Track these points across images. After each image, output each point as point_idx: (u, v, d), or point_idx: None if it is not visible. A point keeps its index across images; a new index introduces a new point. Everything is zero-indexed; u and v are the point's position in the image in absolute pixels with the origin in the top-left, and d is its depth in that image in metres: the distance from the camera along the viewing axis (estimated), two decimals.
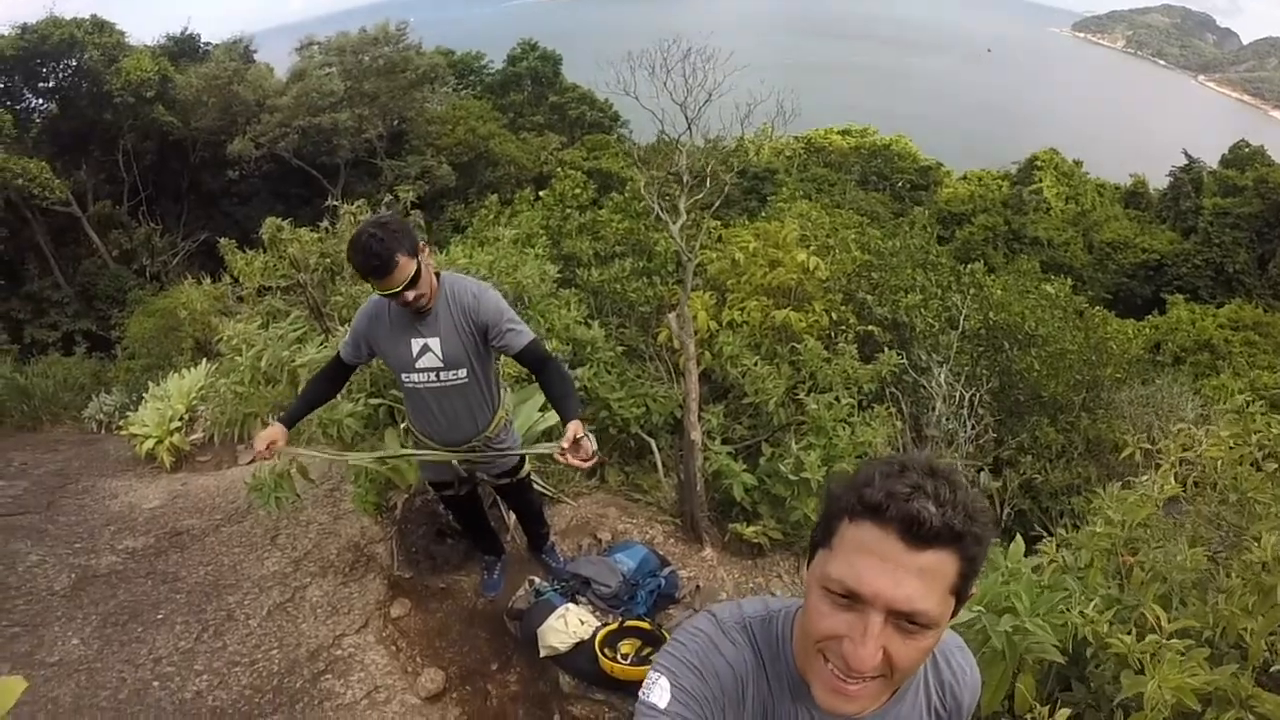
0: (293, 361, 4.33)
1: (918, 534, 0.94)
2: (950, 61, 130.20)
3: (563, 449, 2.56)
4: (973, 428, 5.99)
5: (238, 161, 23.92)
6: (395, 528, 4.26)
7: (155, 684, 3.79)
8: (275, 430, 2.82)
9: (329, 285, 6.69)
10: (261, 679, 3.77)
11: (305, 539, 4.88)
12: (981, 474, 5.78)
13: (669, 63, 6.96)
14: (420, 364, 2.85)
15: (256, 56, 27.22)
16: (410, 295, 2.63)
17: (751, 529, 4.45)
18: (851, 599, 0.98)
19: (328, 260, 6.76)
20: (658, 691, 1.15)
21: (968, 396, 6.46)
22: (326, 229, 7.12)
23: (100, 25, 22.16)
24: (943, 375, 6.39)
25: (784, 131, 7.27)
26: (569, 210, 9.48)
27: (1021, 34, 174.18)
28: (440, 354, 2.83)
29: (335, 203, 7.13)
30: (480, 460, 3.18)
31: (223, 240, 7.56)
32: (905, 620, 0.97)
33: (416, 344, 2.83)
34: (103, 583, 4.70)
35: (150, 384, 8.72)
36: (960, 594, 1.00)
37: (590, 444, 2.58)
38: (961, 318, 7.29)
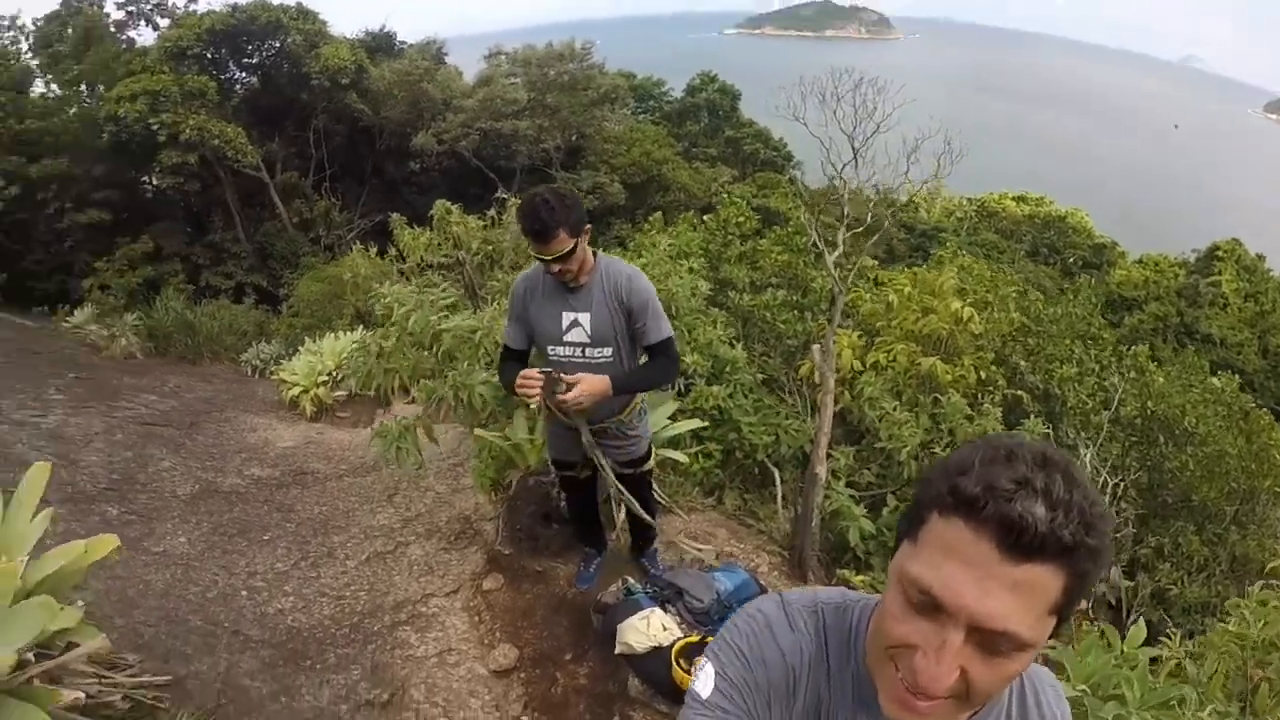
0: (439, 326, 4.47)
1: (1018, 542, 0.76)
2: (1134, 134, 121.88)
3: (569, 384, 2.65)
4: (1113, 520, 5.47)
5: (420, 154, 25.38)
6: (506, 504, 4.29)
7: (244, 593, 4.01)
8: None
9: (487, 270, 6.96)
10: (343, 614, 3.90)
11: (420, 502, 5.03)
12: (1113, 571, 5.26)
13: (839, 91, 6.86)
14: (568, 337, 2.87)
15: (447, 59, 28.97)
16: (557, 268, 2.69)
17: (860, 578, 4.18)
18: (931, 606, 0.81)
19: (489, 247, 7.05)
20: (703, 679, 1.04)
21: (1112, 484, 5.96)
22: (493, 218, 7.44)
23: (304, 13, 24.23)
24: (1089, 457, 5.93)
25: (950, 170, 6.96)
26: (730, 236, 9.47)
27: (1212, 111, 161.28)
28: (589, 329, 2.84)
29: (504, 195, 7.46)
30: (610, 444, 3.17)
31: (394, 215, 8.03)
32: (991, 640, 0.79)
33: (567, 317, 2.86)
34: (222, 499, 5.03)
35: (307, 339, 9.36)
36: (1062, 614, 0.82)
37: (574, 396, 2.67)
38: (1117, 400, 6.79)
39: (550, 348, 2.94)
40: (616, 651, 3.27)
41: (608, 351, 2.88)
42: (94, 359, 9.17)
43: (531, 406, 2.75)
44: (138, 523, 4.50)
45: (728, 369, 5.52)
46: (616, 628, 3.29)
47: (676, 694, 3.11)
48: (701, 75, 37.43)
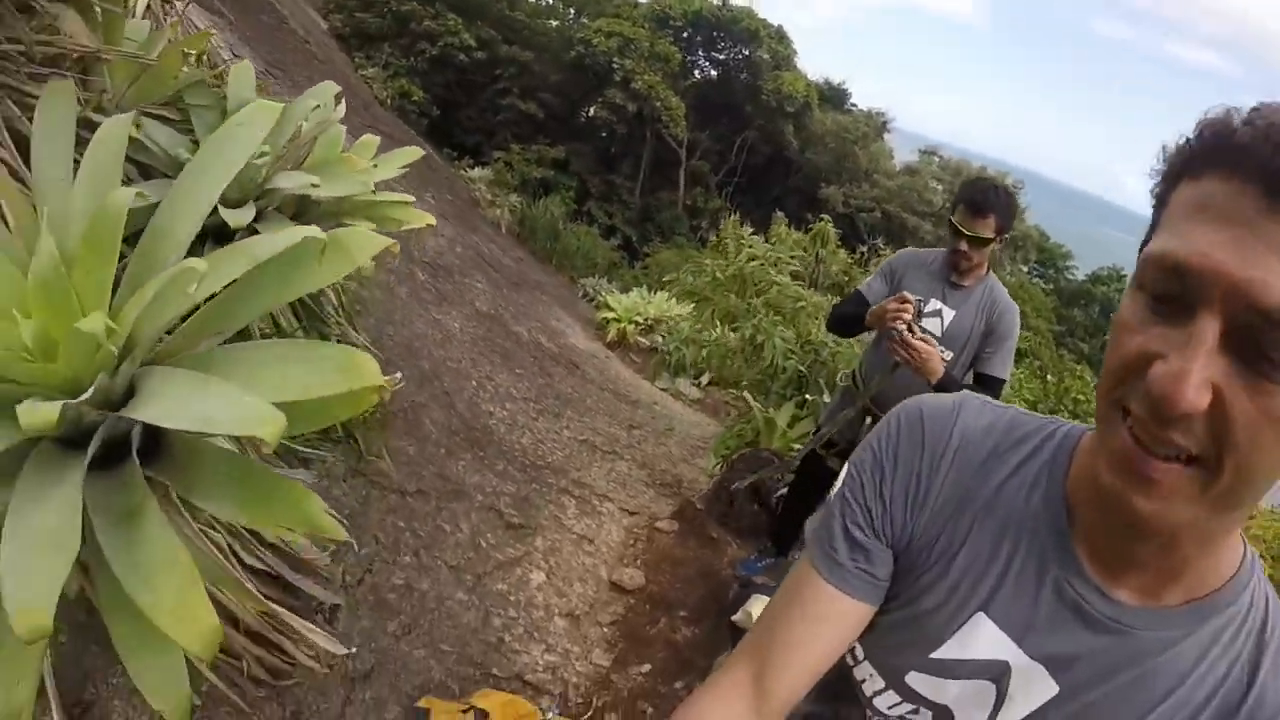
0: (770, 288, 4.51)
1: None
2: None
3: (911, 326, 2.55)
4: None
5: (823, 204, 26.22)
6: (727, 467, 4.15)
7: (473, 383, 4.39)
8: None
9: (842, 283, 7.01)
10: (534, 452, 4.13)
11: (652, 446, 5.08)
12: None
13: None
14: (924, 322, 2.78)
15: (885, 137, 29.59)
16: (965, 249, 2.66)
17: None
18: (1177, 296, 0.57)
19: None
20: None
21: None
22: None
23: (781, 36, 26.47)
24: None
25: None
26: None
27: None
28: (946, 325, 2.77)
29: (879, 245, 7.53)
30: None
31: (777, 213, 8.39)
32: (1253, 343, 0.53)
33: (934, 303, 2.79)
34: (502, 330, 5.62)
35: (644, 287, 10.03)
36: None
37: (924, 347, 2.53)
38: None
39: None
40: (733, 618, 2.97)
41: (948, 356, 2.75)
42: (470, 207, 10.68)
43: (899, 328, 2.67)
44: (433, 299, 5.14)
45: None
46: (751, 598, 2.99)
47: None
48: (1110, 270, 33.75)
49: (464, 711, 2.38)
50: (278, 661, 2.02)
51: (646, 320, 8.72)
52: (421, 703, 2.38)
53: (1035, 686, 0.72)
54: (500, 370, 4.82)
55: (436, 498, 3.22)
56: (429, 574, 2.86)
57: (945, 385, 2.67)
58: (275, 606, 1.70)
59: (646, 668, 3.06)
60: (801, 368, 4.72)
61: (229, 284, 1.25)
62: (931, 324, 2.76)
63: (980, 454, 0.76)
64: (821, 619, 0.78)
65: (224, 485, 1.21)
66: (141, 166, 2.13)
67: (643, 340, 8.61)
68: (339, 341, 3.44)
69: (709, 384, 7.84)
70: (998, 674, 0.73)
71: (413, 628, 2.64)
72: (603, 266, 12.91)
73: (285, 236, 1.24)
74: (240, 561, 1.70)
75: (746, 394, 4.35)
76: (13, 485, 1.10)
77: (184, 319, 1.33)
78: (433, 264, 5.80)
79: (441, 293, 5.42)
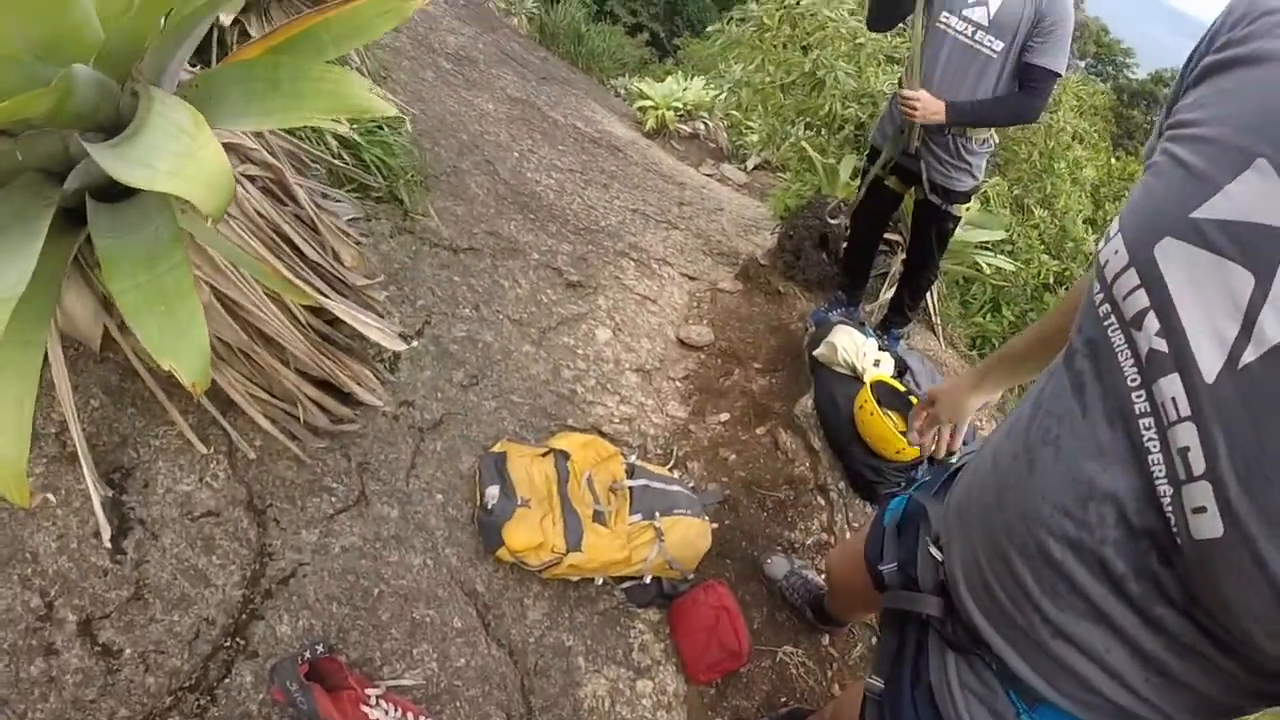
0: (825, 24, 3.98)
1: None
2: None
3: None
4: None
5: None
6: (789, 219, 3.85)
7: (515, 154, 4.12)
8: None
9: None
10: (585, 216, 3.90)
11: (706, 221, 4.75)
12: None
13: None
14: (968, 12, 2.51)
15: None
16: None
17: None
18: None
19: None
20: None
21: None
22: None
23: None
24: None
25: None
26: None
27: None
28: (991, 12, 2.49)
29: None
30: (937, 156, 2.74)
31: None
32: None
33: None
34: (539, 114, 5.19)
35: (680, 75, 9.32)
36: None
37: (913, 108, 2.54)
38: None
39: (944, 14, 2.55)
40: (815, 351, 2.81)
41: (997, 46, 2.49)
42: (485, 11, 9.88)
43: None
44: (461, 84, 4.72)
45: None
46: (834, 328, 2.82)
47: (848, 432, 2.63)
48: (1175, 71, 30.30)
49: (543, 455, 2.29)
50: (338, 405, 1.90)
51: (685, 106, 8.16)
52: (497, 447, 2.29)
53: None
54: (542, 145, 4.48)
55: (490, 254, 3.02)
56: (491, 326, 2.71)
57: (962, 117, 2.55)
58: (326, 303, 1.53)
59: (725, 416, 2.96)
60: (863, 116, 4.28)
61: None
62: (977, 13, 2.50)
63: None
64: None
65: (248, 98, 0.98)
66: None
67: (683, 127, 8.11)
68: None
69: (755, 168, 7.42)
70: None
71: (480, 379, 2.52)
72: (633, 65, 12.01)
73: None
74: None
75: (804, 143, 3.95)
76: None
77: None
78: (455, 55, 5.31)
79: (469, 79, 4.98)
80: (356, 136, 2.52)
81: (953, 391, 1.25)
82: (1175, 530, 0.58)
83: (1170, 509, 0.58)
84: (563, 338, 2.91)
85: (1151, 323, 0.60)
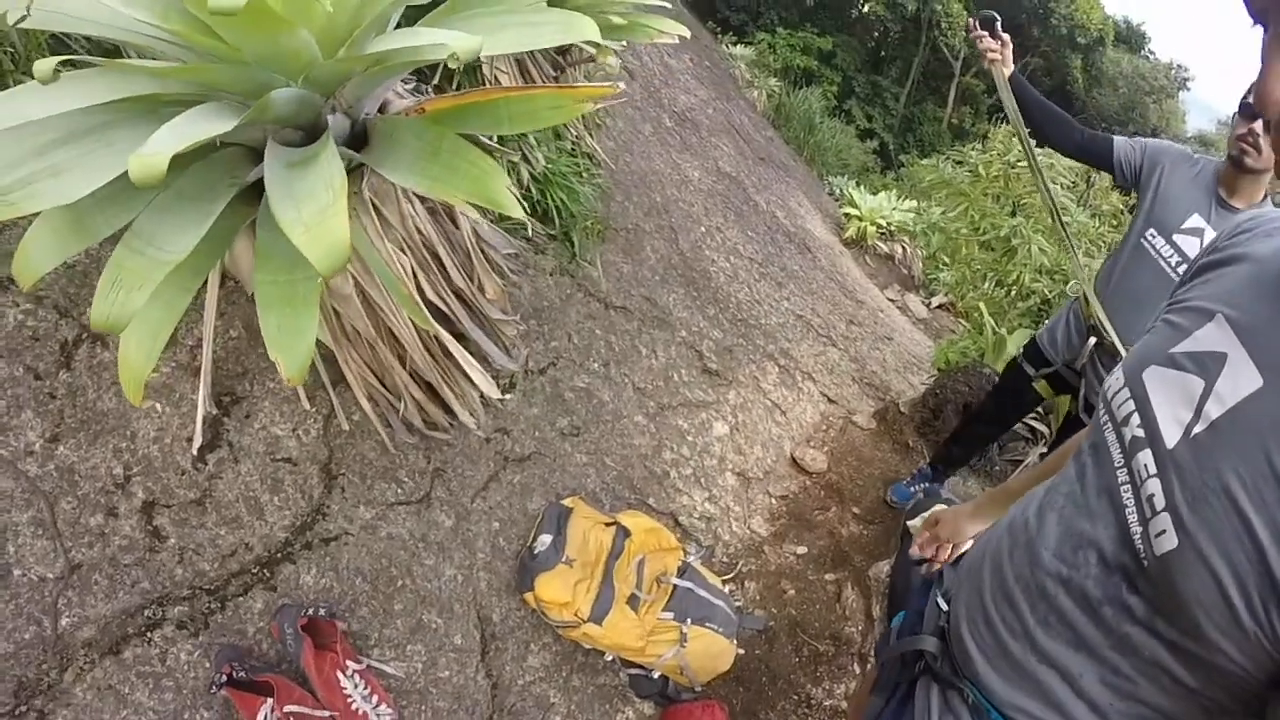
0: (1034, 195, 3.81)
1: None
2: None
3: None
4: None
5: None
6: (942, 376, 3.69)
7: (701, 229, 4.18)
8: None
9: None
10: (746, 303, 3.97)
11: (867, 345, 4.64)
12: None
13: None
14: (1179, 238, 2.23)
15: (1181, 95, 24.78)
16: (1250, 130, 2.08)
17: None
18: None
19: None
20: None
21: None
22: None
23: None
24: None
25: None
26: None
27: None
28: (1203, 245, 2.13)
29: None
30: (1099, 384, 2.45)
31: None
32: None
33: (1196, 218, 2.22)
34: (741, 192, 5.29)
35: (895, 193, 9.23)
36: None
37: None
38: None
39: (1149, 233, 2.28)
40: (909, 520, 2.65)
41: None
42: (727, 79, 10.19)
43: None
44: (676, 146, 4.90)
45: None
46: (936, 506, 2.64)
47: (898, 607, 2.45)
48: None
49: (607, 524, 2.31)
50: (437, 413, 2.02)
51: (889, 226, 8.04)
52: (568, 501, 2.33)
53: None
54: (732, 226, 4.57)
55: (640, 319, 3.11)
56: (613, 387, 2.78)
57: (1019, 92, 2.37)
58: (446, 340, 1.65)
59: (802, 550, 2.84)
60: (1050, 294, 4.04)
61: None
62: (1189, 243, 2.22)
63: None
64: None
65: (413, 156, 1.10)
66: None
67: (881, 245, 7.98)
68: (573, 147, 3.35)
69: (938, 307, 7.15)
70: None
71: (582, 432, 2.58)
72: (854, 168, 11.98)
73: None
74: (422, 295, 1.65)
75: (982, 305, 3.78)
76: None
77: None
78: (681, 115, 5.55)
79: (686, 142, 5.19)
80: (548, 173, 2.70)
81: (955, 516, 1.48)
82: (1144, 558, 0.75)
83: (1140, 542, 0.76)
84: (678, 420, 2.93)
85: (1134, 419, 0.82)
